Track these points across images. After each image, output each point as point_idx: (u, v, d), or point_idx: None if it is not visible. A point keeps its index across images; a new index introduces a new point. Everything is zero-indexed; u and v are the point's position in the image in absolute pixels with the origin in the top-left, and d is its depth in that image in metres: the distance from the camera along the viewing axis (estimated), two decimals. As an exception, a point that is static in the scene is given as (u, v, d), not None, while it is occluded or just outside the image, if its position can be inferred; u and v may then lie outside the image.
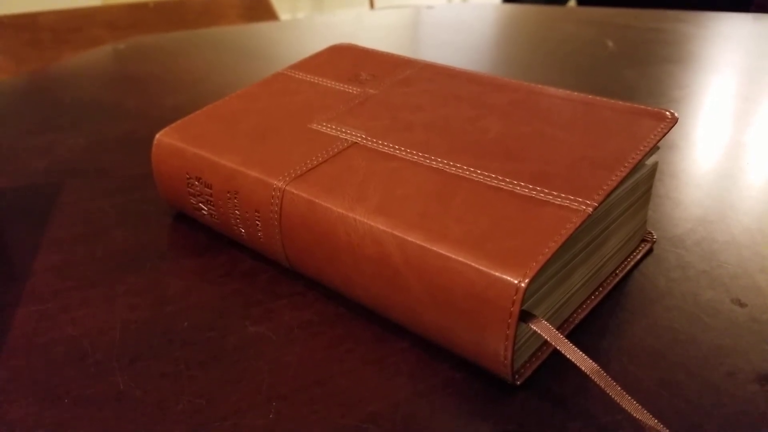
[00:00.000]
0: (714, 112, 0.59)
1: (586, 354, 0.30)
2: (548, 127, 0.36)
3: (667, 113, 0.36)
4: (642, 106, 0.37)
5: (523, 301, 0.26)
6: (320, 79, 0.45)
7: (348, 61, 0.47)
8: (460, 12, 0.98)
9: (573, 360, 0.26)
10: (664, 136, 0.34)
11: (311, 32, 0.89)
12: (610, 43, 0.81)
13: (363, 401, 0.28)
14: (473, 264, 0.27)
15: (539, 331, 0.27)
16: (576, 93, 0.39)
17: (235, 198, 0.36)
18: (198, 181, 0.37)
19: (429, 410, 0.28)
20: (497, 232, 0.28)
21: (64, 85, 0.67)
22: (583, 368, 0.26)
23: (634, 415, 0.25)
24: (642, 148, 0.33)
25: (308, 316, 0.33)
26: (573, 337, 0.32)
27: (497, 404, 0.28)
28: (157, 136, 0.40)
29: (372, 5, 3.02)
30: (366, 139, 0.37)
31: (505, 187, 0.31)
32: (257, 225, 0.35)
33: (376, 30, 0.89)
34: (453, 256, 0.28)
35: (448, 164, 0.34)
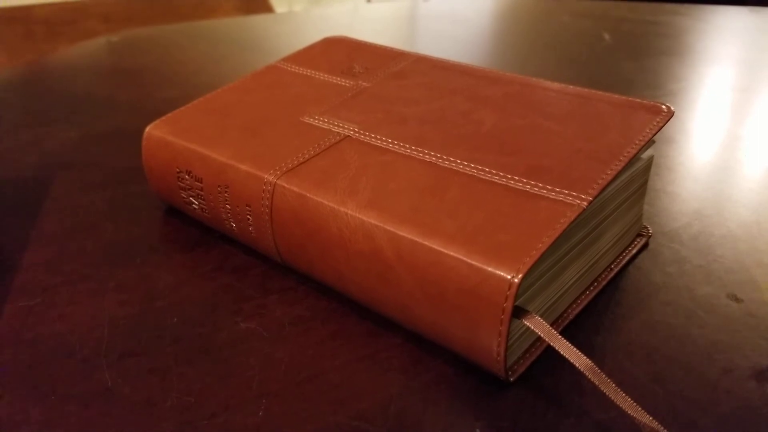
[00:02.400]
0: (711, 105, 0.59)
1: (581, 350, 0.30)
2: (543, 120, 0.36)
3: (663, 107, 0.35)
4: (638, 100, 0.36)
5: (516, 297, 0.26)
6: (313, 71, 0.44)
7: (342, 53, 0.47)
8: (456, 4, 0.97)
9: (567, 356, 0.26)
10: (659, 130, 0.34)
11: (307, 25, 0.88)
12: (607, 36, 0.80)
13: (355, 397, 0.28)
14: (466, 259, 0.27)
15: (533, 327, 0.26)
16: (571, 86, 0.39)
17: (226, 192, 0.35)
18: (188, 175, 0.37)
19: (421, 407, 0.28)
20: (490, 227, 0.28)
21: (57, 78, 0.66)
22: (577, 365, 0.26)
23: (629, 412, 0.25)
24: (638, 142, 0.33)
25: (300, 312, 0.33)
26: (567, 333, 0.31)
27: (490, 401, 0.28)
28: (147, 129, 0.39)
29: (369, -2, 3.01)
30: (359, 132, 0.36)
31: (498, 181, 0.31)
32: (248, 219, 0.35)
33: (372, 22, 0.88)
34: (445, 251, 0.27)
35: (442, 158, 0.33)
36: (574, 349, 0.26)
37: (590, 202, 0.29)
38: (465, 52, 0.75)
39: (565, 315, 0.32)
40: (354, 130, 0.36)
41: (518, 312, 0.27)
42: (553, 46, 0.78)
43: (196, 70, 0.68)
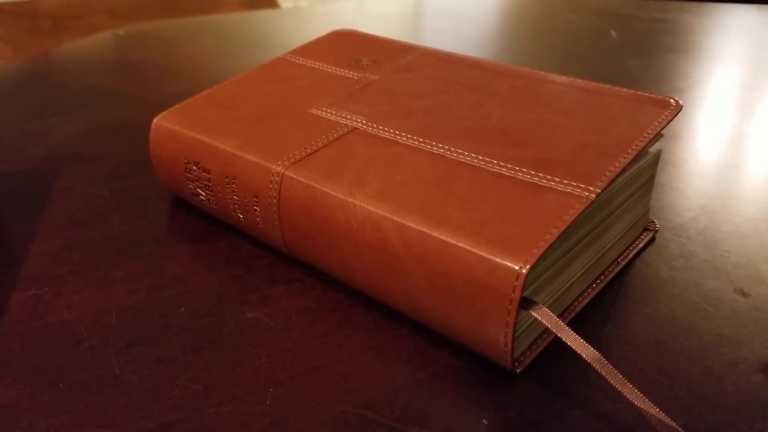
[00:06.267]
0: (717, 102, 0.59)
1: (587, 342, 0.30)
2: (551, 113, 0.36)
3: (672, 101, 0.35)
4: (646, 94, 0.36)
5: (523, 288, 0.26)
6: (321, 64, 0.44)
7: (349, 46, 0.47)
8: (462, 1, 0.97)
9: (574, 348, 0.26)
10: (668, 124, 0.34)
11: (312, 20, 0.88)
12: (614, 33, 0.80)
13: (361, 388, 0.28)
14: (473, 250, 0.27)
15: (540, 318, 0.26)
16: (579, 80, 0.39)
17: (234, 183, 0.35)
18: (196, 166, 0.37)
19: (428, 397, 0.28)
20: (498, 218, 0.28)
21: (63, 72, 0.66)
22: (584, 356, 0.26)
23: (636, 403, 0.25)
24: (646, 135, 0.33)
25: (307, 303, 0.33)
26: (574, 325, 0.31)
27: (497, 392, 0.28)
28: (155, 120, 0.39)
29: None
30: (366, 124, 0.36)
31: (506, 173, 0.31)
32: (256, 210, 0.35)
33: (377, 18, 0.88)
34: (453, 242, 0.27)
35: (449, 150, 0.33)
36: (581, 340, 0.26)
37: (598, 195, 0.29)
38: (469, 49, 0.75)
39: (572, 307, 0.32)
40: (361, 122, 0.36)
41: (525, 303, 0.27)
42: (558, 44, 0.78)
43: (201, 65, 0.68)
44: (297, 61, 0.45)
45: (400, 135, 0.35)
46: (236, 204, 0.36)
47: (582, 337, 0.27)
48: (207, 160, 0.36)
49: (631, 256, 0.36)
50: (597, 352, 0.26)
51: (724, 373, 0.29)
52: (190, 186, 0.38)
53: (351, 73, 0.43)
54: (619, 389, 0.25)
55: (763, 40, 0.78)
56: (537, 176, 0.31)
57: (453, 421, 0.27)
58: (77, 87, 0.61)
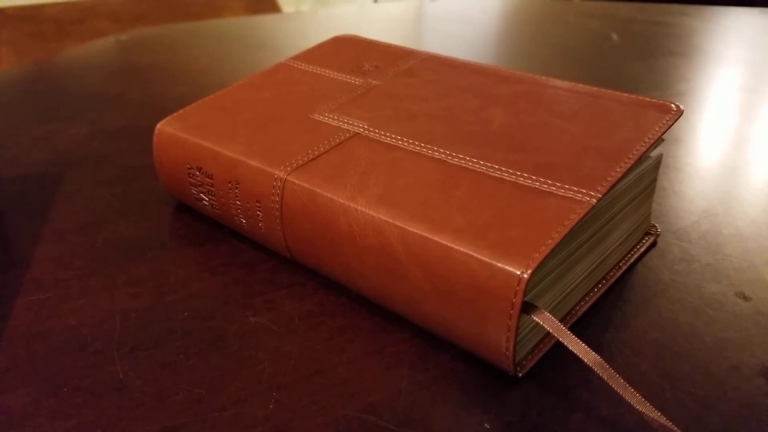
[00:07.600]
0: (719, 105, 0.59)
1: (589, 346, 0.30)
2: (552, 118, 0.36)
3: (673, 105, 0.35)
4: (647, 98, 0.36)
5: (525, 292, 0.26)
6: (323, 69, 0.45)
7: (351, 51, 0.47)
8: (463, 4, 0.97)
9: (575, 352, 0.26)
10: (669, 128, 0.34)
11: (314, 24, 0.88)
12: (615, 36, 0.80)
13: (363, 391, 0.28)
14: (475, 254, 0.27)
15: (541, 323, 0.26)
16: (580, 84, 0.39)
17: (236, 188, 0.35)
18: (199, 171, 0.37)
19: (430, 401, 0.28)
20: (500, 223, 0.28)
21: (66, 76, 0.67)
22: (585, 360, 0.26)
23: (637, 407, 0.25)
24: (647, 140, 0.33)
25: (309, 307, 0.33)
26: (575, 329, 0.32)
27: (498, 396, 0.28)
28: (159, 125, 0.39)
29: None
30: (368, 129, 0.36)
31: (508, 178, 0.31)
32: (258, 215, 0.35)
33: (379, 22, 0.88)
34: (455, 247, 0.27)
35: (451, 155, 0.33)
36: (583, 344, 0.26)
37: (599, 199, 0.29)
38: (472, 52, 0.75)
39: (574, 312, 0.32)
40: (363, 128, 0.37)
41: (527, 308, 0.27)
42: (560, 47, 0.78)
43: (203, 69, 0.69)
44: (299, 66, 0.45)
45: (401, 140, 0.35)
46: (239, 209, 0.36)
47: (584, 342, 0.27)
48: (210, 166, 0.36)
49: (632, 260, 0.36)
50: (598, 357, 0.26)
51: (726, 377, 0.29)
52: (193, 191, 0.38)
53: (353, 78, 0.43)
54: (621, 393, 0.25)
55: (765, 43, 0.78)
56: (538, 181, 0.31)
57: (455, 424, 0.27)
58: (80, 91, 0.62)
